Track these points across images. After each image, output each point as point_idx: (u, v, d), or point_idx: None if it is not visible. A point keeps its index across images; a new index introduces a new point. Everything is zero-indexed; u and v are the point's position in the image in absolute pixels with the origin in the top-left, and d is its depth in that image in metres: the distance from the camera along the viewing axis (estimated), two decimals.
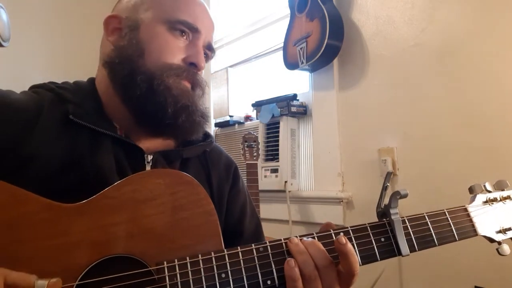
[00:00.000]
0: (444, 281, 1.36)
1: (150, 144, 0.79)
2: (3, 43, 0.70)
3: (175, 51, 0.77)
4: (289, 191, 1.89)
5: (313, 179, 1.88)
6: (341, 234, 0.65)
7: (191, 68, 0.78)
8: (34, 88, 0.78)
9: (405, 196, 0.67)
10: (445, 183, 1.36)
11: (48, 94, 0.75)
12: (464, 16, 1.37)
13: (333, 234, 0.65)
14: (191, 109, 0.76)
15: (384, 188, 0.71)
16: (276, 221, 1.91)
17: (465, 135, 1.33)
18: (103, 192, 0.63)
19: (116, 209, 0.62)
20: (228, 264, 0.61)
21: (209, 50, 0.83)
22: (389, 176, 0.72)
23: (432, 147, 1.42)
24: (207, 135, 0.88)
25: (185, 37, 0.78)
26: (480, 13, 1.32)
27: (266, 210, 1.85)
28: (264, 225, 0.96)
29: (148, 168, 0.74)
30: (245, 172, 1.76)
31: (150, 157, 0.75)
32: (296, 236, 0.65)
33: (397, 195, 0.68)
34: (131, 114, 0.76)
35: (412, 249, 0.68)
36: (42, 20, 2.57)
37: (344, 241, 0.61)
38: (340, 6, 1.73)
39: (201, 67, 0.79)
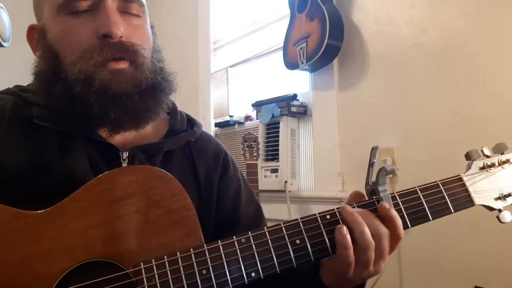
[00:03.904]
0: (444, 281, 1.36)
1: (126, 140, 0.73)
2: (3, 43, 0.70)
3: (80, 32, 0.65)
4: (289, 191, 1.89)
5: (313, 179, 1.88)
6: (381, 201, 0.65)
7: (108, 41, 0.65)
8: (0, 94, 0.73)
9: (392, 172, 0.66)
10: None
11: (11, 98, 0.71)
12: (464, 16, 1.36)
13: (375, 202, 0.65)
14: (125, 97, 0.66)
15: (371, 164, 0.69)
16: (276, 221, 1.89)
17: (465, 135, 1.33)
18: (72, 195, 0.60)
19: (88, 212, 0.59)
20: (208, 259, 0.59)
21: (127, 1, 0.69)
22: (374, 151, 0.70)
23: (432, 147, 1.42)
24: (192, 124, 0.82)
25: (84, 5, 0.66)
26: (480, 13, 1.32)
27: (266, 210, 1.82)
28: None
29: (124, 166, 0.70)
30: (245, 172, 1.76)
31: (125, 154, 0.70)
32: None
33: (383, 172, 0.65)
34: None
35: (404, 226, 0.64)
36: None
37: (388, 206, 0.62)
38: (340, 6, 1.73)
39: (116, 34, 0.65)
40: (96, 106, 0.65)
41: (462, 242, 1.31)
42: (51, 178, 0.64)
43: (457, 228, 1.28)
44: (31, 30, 0.74)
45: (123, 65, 0.67)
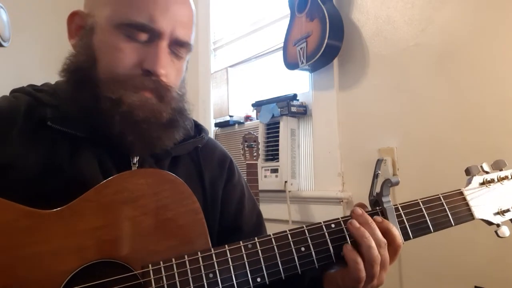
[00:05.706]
0: (444, 281, 1.36)
1: None
2: (3, 43, 0.70)
3: (128, 57, 0.67)
4: (289, 191, 1.89)
5: (313, 179, 1.88)
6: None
7: (149, 77, 0.68)
8: (13, 92, 0.74)
9: (396, 183, 0.67)
10: (445, 183, 1.36)
11: (25, 98, 0.71)
12: (464, 16, 1.36)
13: (378, 212, 0.67)
14: (145, 125, 0.67)
15: (376, 175, 0.70)
16: (276, 221, 1.91)
17: (465, 135, 1.33)
18: (83, 196, 0.61)
19: (98, 213, 0.60)
20: (215, 263, 0.60)
21: (180, 46, 0.71)
22: (380, 163, 0.72)
23: (432, 147, 1.42)
24: (199, 130, 0.84)
25: (143, 38, 0.68)
26: (480, 13, 1.32)
27: (266, 210, 1.83)
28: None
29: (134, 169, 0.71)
30: (245, 172, 1.76)
31: (136, 158, 0.72)
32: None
33: (388, 183, 0.67)
34: None
35: (406, 237, 0.66)
36: (42, 20, 2.57)
37: (380, 220, 0.64)
38: (340, 6, 1.73)
39: (160, 73, 0.68)
40: (117, 125, 0.67)
41: (462, 242, 1.31)
42: (62, 180, 0.65)
43: (457, 229, 1.28)
44: (75, 15, 0.74)
45: (151, 95, 0.69)
